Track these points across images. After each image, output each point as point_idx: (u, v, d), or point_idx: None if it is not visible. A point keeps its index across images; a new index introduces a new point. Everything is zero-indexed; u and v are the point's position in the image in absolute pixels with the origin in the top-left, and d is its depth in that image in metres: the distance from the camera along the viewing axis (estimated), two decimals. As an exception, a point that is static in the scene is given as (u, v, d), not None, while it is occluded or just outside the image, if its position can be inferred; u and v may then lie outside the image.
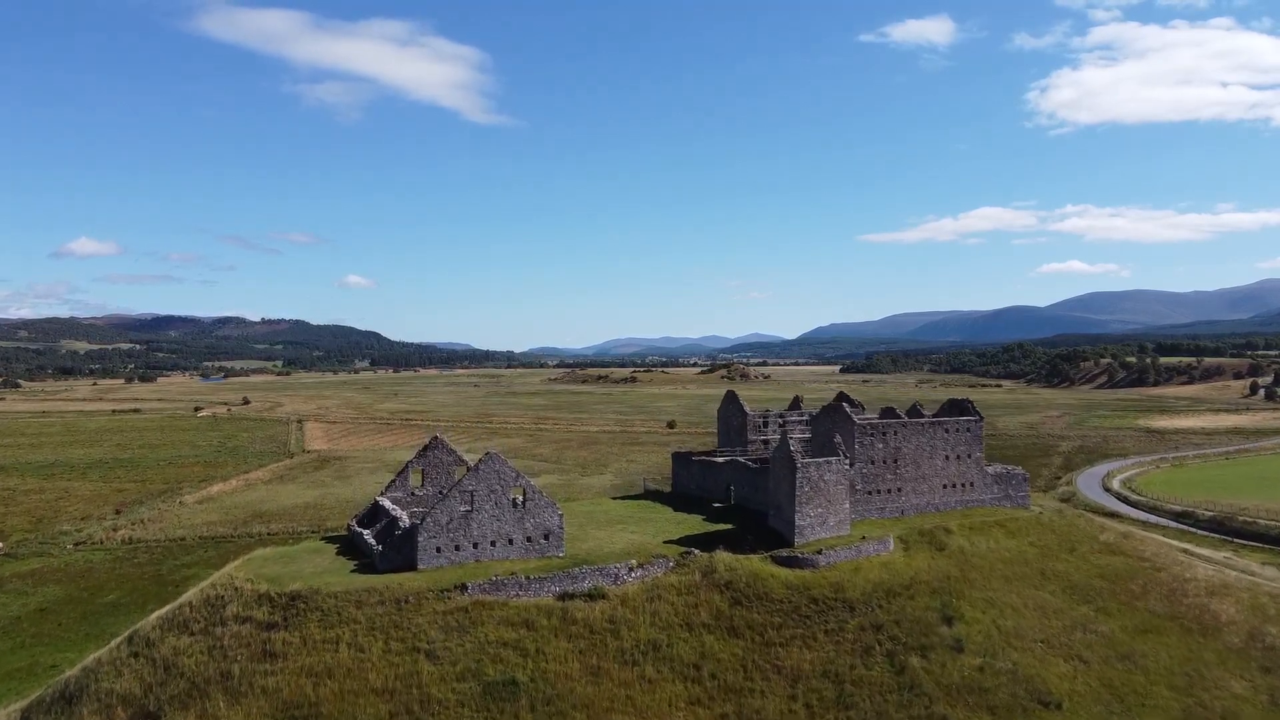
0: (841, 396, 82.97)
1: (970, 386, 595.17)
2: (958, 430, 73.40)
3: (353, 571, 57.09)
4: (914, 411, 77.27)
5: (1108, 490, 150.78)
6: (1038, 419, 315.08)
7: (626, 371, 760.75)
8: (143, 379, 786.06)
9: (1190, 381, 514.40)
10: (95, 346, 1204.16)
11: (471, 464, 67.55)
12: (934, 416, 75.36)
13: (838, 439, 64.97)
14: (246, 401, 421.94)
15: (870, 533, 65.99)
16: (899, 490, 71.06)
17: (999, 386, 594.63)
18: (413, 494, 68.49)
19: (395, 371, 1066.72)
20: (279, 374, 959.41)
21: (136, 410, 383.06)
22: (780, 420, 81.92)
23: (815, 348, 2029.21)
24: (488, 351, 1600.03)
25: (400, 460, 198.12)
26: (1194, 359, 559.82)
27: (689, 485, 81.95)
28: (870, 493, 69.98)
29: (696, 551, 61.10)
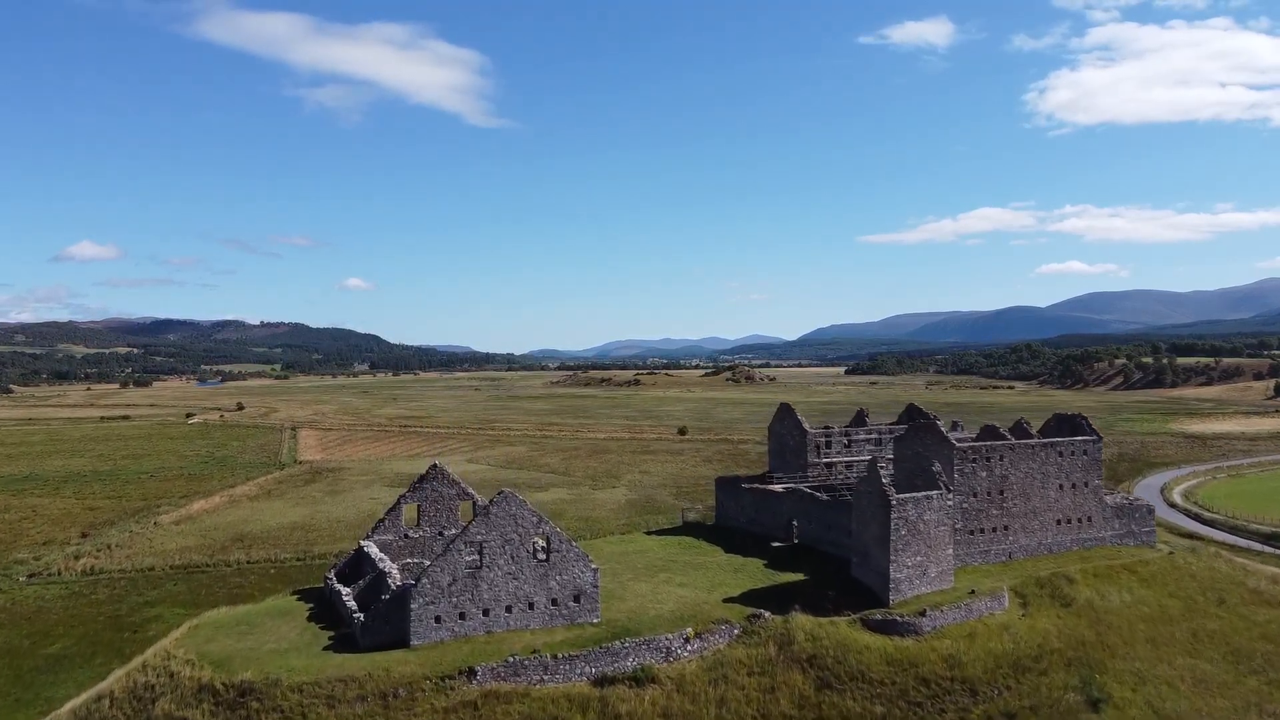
0: (912, 411, 69.84)
1: (981, 388, 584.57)
2: (1073, 453, 60.26)
3: (326, 649, 43.93)
4: (1019, 430, 64.05)
5: (1172, 506, 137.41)
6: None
7: (630, 374, 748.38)
8: (138, 383, 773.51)
9: (1209, 383, 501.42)
10: (92, 350, 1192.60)
11: (478, 498, 54.52)
12: (1044, 436, 62.03)
13: (936, 467, 51.70)
14: (240, 407, 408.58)
15: (978, 584, 52.87)
16: (1005, 528, 57.94)
17: (1011, 388, 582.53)
18: (406, 535, 55.37)
19: (395, 375, 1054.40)
20: (277, 378, 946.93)
21: (126, 417, 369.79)
22: (845, 439, 68.63)
23: (816, 349, 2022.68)
24: (488, 354, 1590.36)
25: (397, 472, 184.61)
26: (1212, 359, 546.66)
27: (738, 518, 68.74)
28: (971, 532, 56.89)
29: (767, 614, 48.00)
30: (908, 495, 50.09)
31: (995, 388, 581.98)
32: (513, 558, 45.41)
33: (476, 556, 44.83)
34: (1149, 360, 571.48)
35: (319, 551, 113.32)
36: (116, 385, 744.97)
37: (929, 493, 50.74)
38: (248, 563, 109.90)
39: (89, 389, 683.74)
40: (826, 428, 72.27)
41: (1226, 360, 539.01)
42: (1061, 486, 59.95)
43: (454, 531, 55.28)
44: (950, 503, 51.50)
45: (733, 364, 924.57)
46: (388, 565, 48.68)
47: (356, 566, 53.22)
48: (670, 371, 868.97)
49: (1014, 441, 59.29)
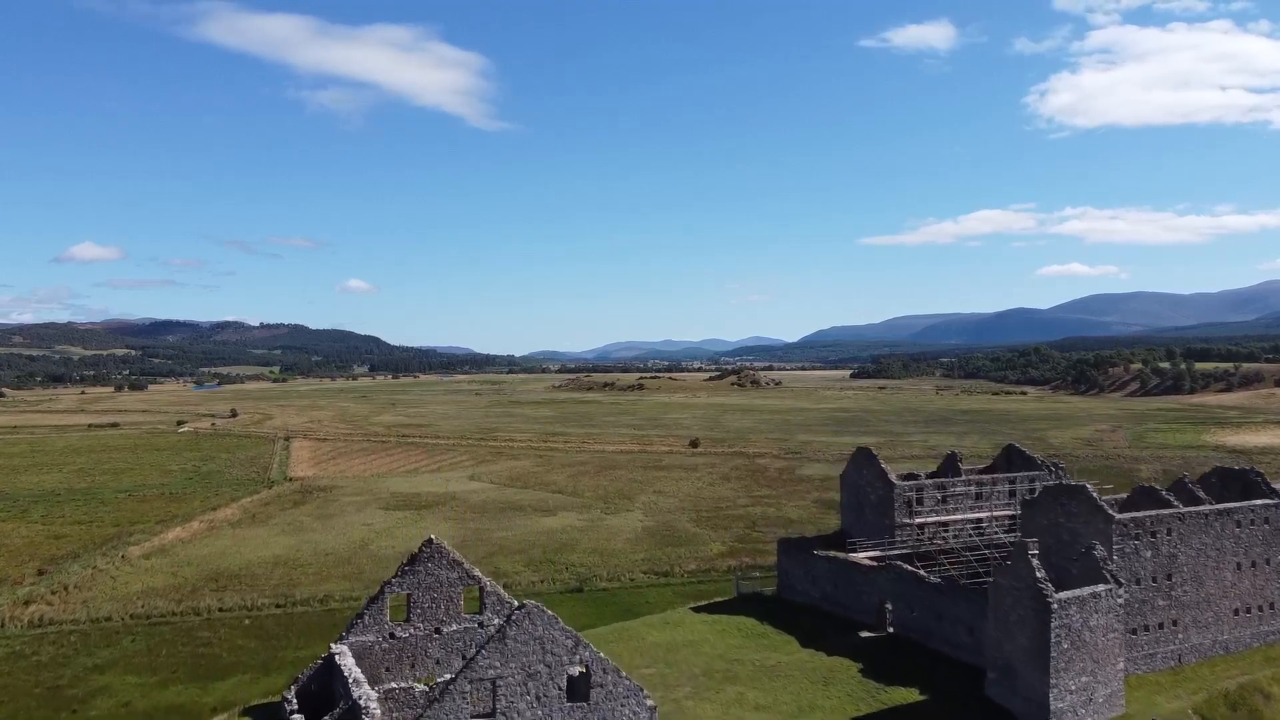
0: (1011, 454, 56.78)
1: (993, 394, 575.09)
2: (1252, 522, 47.08)
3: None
4: (1181, 489, 50.68)
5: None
6: (1089, 433, 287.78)
7: (633, 378, 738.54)
8: (133, 387, 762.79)
9: (1229, 389, 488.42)
10: (90, 352, 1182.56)
11: (486, 583, 41.43)
12: (1215, 501, 48.73)
13: (1098, 549, 38.51)
14: (234, 414, 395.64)
15: (1153, 705, 39.74)
16: (1174, 623, 44.81)
17: (1024, 394, 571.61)
18: (392, 635, 42.23)
19: (394, 377, 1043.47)
20: (275, 380, 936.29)
21: (115, 424, 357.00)
22: (939, 492, 55.36)
23: (817, 350, 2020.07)
24: (488, 356, 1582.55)
25: (393, 492, 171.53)
26: (1231, 365, 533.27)
27: (809, 591, 55.42)
28: (1133, 630, 43.71)
29: (887, 764, 34.77)
30: (1070, 595, 37.03)
31: (1008, 393, 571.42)
32: (539, 698, 32.41)
33: (488, 696, 31.84)
34: (1166, 365, 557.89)
35: (301, 596, 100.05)
36: (111, 389, 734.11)
37: (1095, 588, 37.71)
38: (219, 610, 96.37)
39: (83, 393, 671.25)
40: (916, 478, 58.90)
41: (1246, 366, 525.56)
42: (1239, 566, 46.87)
43: (455, 628, 42.25)
44: (1121, 600, 38.53)
45: (737, 367, 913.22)
46: (363, 692, 35.62)
47: (325, 681, 40.15)
48: (674, 375, 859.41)
49: (1182, 510, 45.95)
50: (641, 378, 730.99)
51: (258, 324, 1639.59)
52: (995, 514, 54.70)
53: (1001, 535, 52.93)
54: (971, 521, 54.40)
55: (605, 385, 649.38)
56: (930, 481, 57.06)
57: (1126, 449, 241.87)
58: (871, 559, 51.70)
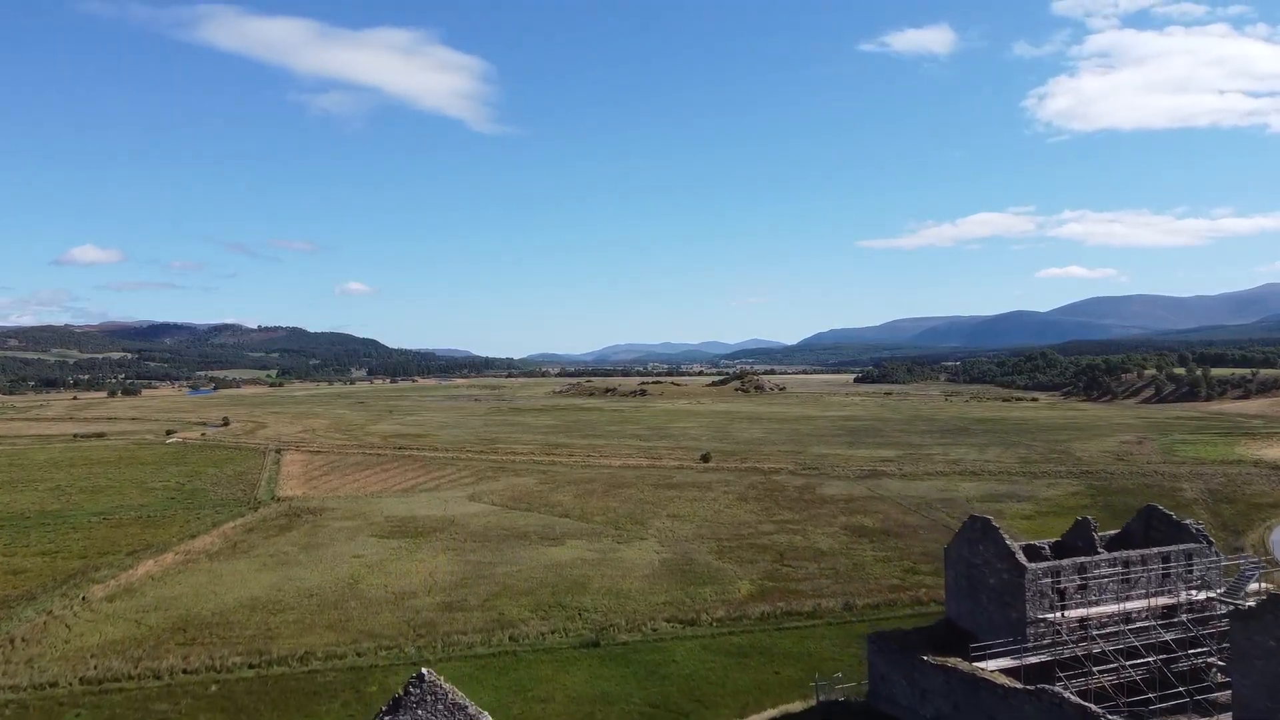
0: (1151, 517, 44.42)
1: (1004, 400, 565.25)
2: None
3: None
4: None
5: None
6: (1115, 445, 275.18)
7: (634, 383, 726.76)
8: (127, 391, 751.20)
9: (1246, 396, 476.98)
10: (86, 356, 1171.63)
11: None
12: None
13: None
14: (226, 422, 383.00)
15: None
16: None
17: (1034, 400, 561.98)
18: (367, 811, 29.76)
19: (393, 381, 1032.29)
20: (272, 385, 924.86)
21: (101, 434, 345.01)
22: (1077, 576, 42.75)
23: (817, 354, 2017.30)
24: (487, 359, 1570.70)
25: (387, 516, 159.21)
26: (1248, 371, 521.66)
27: (915, 708, 42.63)
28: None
29: None
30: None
31: (1018, 400, 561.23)
32: None
33: None
34: (1181, 371, 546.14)
35: (278, 653, 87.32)
36: (104, 394, 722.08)
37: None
38: (184, 673, 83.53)
39: (75, 398, 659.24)
40: (1035, 550, 45.61)
41: (1264, 372, 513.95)
42: None
43: (455, 796, 29.83)
44: None
45: (740, 371, 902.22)
46: None
47: None
48: (676, 380, 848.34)
49: None
50: (643, 383, 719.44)
51: (255, 326, 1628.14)
52: (1152, 603, 42.18)
53: (1163, 633, 40.67)
54: (1121, 616, 41.75)
55: (607, 391, 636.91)
56: (1068, 562, 43.74)
57: (1160, 464, 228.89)
58: (1005, 670, 39.11)
